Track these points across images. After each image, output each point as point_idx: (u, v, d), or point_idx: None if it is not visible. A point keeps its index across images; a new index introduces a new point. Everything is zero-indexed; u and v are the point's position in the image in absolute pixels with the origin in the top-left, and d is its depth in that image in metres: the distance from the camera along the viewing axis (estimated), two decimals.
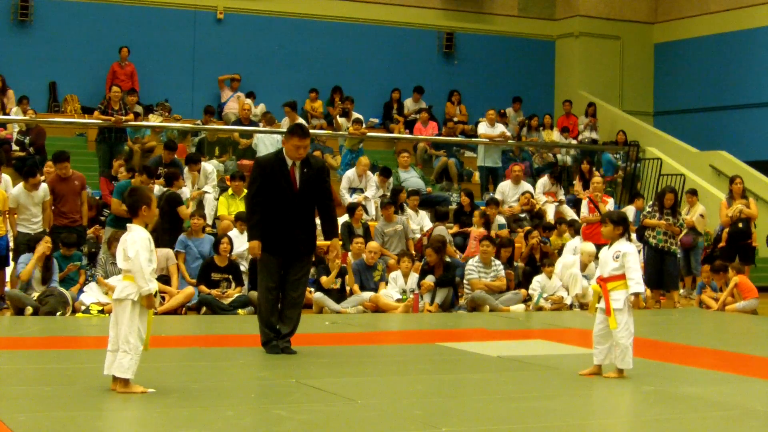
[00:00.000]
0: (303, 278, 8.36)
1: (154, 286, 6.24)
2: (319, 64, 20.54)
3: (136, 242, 6.23)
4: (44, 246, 11.38)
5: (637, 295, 7.17)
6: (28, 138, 15.69)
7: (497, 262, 13.11)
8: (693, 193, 16.37)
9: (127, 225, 6.46)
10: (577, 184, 17.45)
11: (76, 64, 18.80)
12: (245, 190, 14.02)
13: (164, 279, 11.80)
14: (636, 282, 7.13)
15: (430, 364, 8.18)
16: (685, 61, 22.28)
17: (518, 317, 12.24)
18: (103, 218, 13.19)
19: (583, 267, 13.46)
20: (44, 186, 12.36)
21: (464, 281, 13.04)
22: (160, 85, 19.06)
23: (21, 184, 12.34)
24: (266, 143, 16.59)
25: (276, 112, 17.89)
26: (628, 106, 22.48)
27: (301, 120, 17.63)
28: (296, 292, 8.26)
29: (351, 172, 15.86)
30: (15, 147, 16.01)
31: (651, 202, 14.81)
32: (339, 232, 10.72)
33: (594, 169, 17.69)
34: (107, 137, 15.55)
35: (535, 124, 20.19)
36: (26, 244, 11.75)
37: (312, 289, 12.10)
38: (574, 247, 14.17)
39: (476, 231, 14.44)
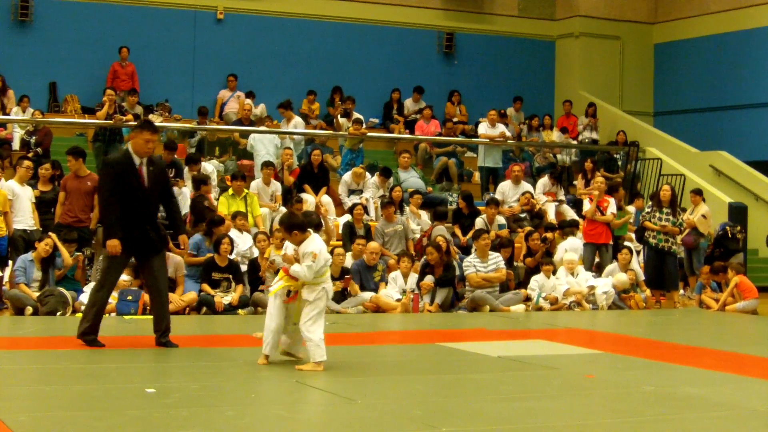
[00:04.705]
0: (164, 270, 8.63)
1: None
2: (319, 64, 20.53)
3: None
4: (43, 248, 11.37)
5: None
6: (34, 138, 15.66)
7: (495, 254, 13.13)
8: (697, 193, 16.10)
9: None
10: (579, 184, 17.44)
11: (76, 64, 18.80)
12: (246, 190, 14.08)
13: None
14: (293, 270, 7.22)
15: (430, 364, 8.18)
16: (685, 61, 22.27)
17: (518, 317, 12.24)
18: None
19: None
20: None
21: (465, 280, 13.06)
22: (160, 85, 19.05)
23: (13, 179, 12.40)
24: (264, 143, 16.57)
25: (275, 112, 17.87)
26: (628, 106, 22.46)
27: (298, 118, 17.63)
28: (163, 285, 8.53)
29: (347, 176, 15.83)
30: (15, 147, 16.00)
31: (650, 203, 14.78)
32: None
33: (595, 169, 17.66)
34: (101, 137, 15.61)
35: (536, 125, 20.19)
36: (24, 240, 11.73)
37: None
38: (564, 249, 14.14)
39: None
